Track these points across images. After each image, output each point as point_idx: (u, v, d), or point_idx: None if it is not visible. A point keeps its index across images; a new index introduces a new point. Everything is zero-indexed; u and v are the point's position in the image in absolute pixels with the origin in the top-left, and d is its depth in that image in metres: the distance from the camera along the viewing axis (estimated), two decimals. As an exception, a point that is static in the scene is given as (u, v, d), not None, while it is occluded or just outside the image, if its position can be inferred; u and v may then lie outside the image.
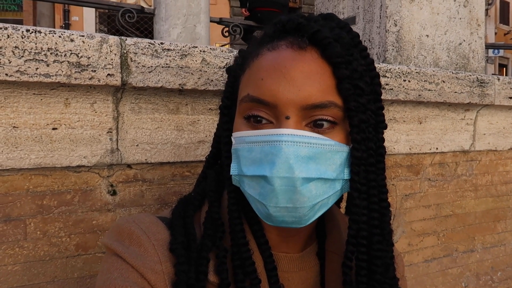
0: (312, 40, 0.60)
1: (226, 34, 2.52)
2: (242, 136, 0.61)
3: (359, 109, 0.60)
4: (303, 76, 0.57)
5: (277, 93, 0.57)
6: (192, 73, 0.96)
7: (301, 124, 0.58)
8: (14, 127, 0.84)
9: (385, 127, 0.65)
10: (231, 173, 0.64)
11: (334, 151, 0.59)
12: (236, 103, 0.66)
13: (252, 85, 0.60)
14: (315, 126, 0.59)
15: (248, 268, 0.62)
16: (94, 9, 8.87)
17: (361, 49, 0.64)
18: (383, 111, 0.66)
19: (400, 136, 1.39)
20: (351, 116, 0.59)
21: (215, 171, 0.72)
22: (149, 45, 0.91)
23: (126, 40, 0.89)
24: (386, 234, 0.65)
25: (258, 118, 0.59)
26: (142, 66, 0.90)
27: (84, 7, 7.74)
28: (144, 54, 0.90)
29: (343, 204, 0.80)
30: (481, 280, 1.66)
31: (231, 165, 0.64)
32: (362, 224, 0.62)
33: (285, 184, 0.56)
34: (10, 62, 0.78)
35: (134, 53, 0.89)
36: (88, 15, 9.87)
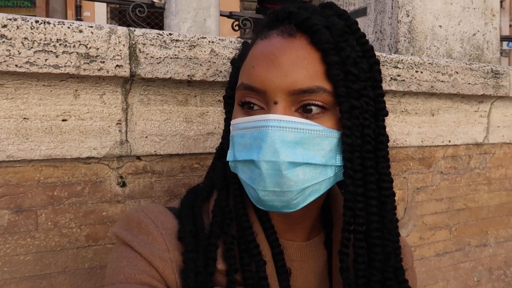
0: (302, 27, 0.62)
1: (236, 28, 2.51)
2: (236, 123, 0.63)
3: (351, 95, 0.60)
4: (290, 62, 0.59)
5: (265, 80, 0.59)
6: (200, 64, 0.95)
7: (291, 109, 0.60)
8: (25, 118, 0.84)
9: (386, 114, 0.66)
10: (227, 159, 0.66)
11: (323, 137, 0.59)
12: None
13: (245, 74, 0.63)
14: (304, 111, 0.60)
15: (253, 251, 0.63)
16: (105, 4, 8.92)
17: (358, 36, 0.65)
18: (384, 98, 0.66)
19: (412, 129, 1.37)
20: (340, 102, 0.60)
21: (223, 162, 0.73)
22: (158, 36, 0.91)
23: (134, 31, 0.88)
24: (387, 222, 0.64)
25: (251, 105, 0.62)
26: (151, 57, 0.90)
27: (95, 2, 7.77)
28: (152, 45, 0.90)
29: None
30: (494, 275, 1.63)
31: (228, 151, 0.66)
32: (357, 211, 0.62)
33: (271, 168, 0.57)
34: (19, 53, 0.78)
35: (142, 44, 0.89)
36: (99, 10, 9.94)
